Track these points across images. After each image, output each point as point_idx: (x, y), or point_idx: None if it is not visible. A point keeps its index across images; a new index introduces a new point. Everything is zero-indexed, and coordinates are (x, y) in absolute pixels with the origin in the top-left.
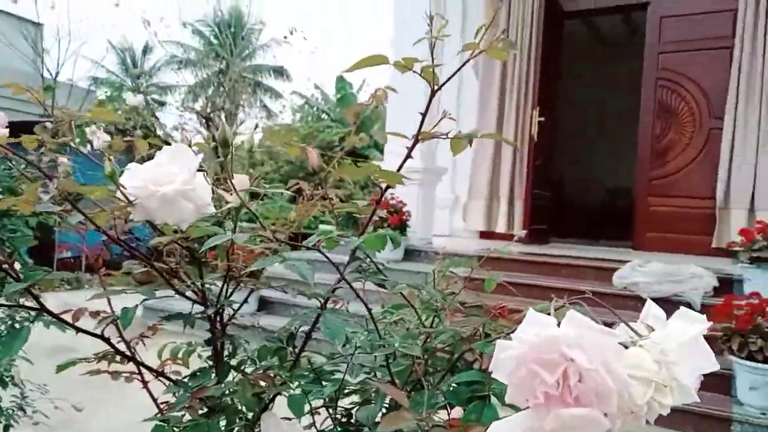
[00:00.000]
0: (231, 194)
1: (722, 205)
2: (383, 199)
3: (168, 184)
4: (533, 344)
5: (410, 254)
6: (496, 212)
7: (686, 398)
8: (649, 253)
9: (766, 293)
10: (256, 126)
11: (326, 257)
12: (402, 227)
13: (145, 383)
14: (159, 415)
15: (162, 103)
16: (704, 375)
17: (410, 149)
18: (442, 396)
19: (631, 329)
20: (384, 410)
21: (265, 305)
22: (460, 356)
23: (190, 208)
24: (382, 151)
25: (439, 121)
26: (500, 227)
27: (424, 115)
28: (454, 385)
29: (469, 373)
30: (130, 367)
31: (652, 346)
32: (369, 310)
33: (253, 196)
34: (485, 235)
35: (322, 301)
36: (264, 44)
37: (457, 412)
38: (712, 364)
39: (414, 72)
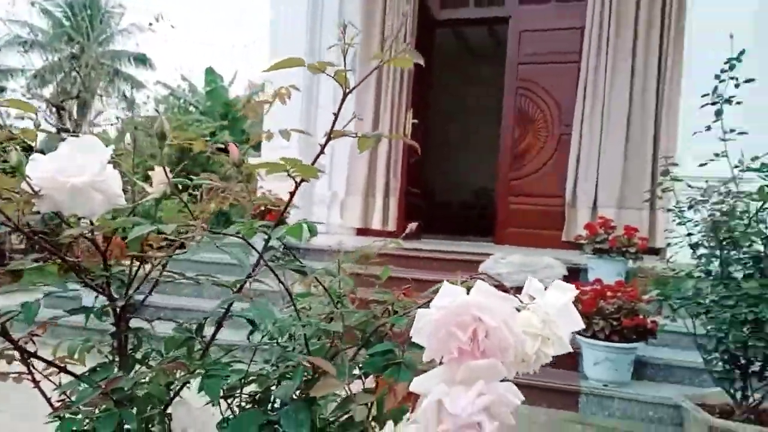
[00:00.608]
0: (151, 185)
1: (570, 203)
2: (261, 195)
3: (78, 175)
4: (450, 309)
5: (290, 251)
6: (372, 208)
7: (563, 349)
8: (509, 247)
9: (607, 280)
10: (117, 118)
11: (248, 243)
12: (280, 224)
13: (36, 383)
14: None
15: (2, 89)
16: (556, 355)
17: (323, 147)
18: (357, 369)
19: (518, 299)
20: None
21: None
22: (374, 331)
23: (101, 199)
24: (255, 148)
25: (349, 121)
26: (376, 223)
27: (336, 115)
28: (368, 357)
29: (383, 344)
30: (17, 367)
31: (537, 309)
32: (289, 291)
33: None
34: (361, 231)
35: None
36: (124, 29)
37: (370, 382)
38: (579, 324)
39: (327, 74)
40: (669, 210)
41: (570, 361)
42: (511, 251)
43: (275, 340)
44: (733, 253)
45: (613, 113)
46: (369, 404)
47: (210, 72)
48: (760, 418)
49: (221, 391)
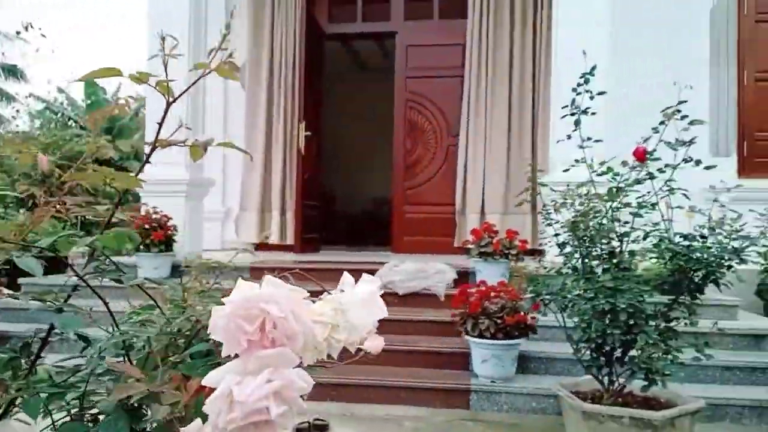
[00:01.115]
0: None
1: (460, 210)
2: (146, 213)
3: None
4: (237, 302)
5: (178, 270)
6: (268, 224)
7: (358, 334)
8: (406, 255)
9: (492, 281)
10: None
11: (64, 257)
12: (168, 242)
13: None
14: None
15: None
16: (449, 355)
17: (147, 156)
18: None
19: (328, 292)
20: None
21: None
22: (195, 334)
23: None
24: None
25: (175, 131)
26: (273, 238)
27: (160, 124)
28: (189, 358)
29: (200, 345)
30: None
31: (331, 300)
32: (106, 303)
33: None
34: (261, 247)
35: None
36: None
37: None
38: (383, 312)
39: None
40: (539, 213)
41: (462, 362)
42: (407, 259)
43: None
44: (592, 249)
45: (495, 124)
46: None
47: (90, 84)
48: (625, 400)
49: (44, 409)
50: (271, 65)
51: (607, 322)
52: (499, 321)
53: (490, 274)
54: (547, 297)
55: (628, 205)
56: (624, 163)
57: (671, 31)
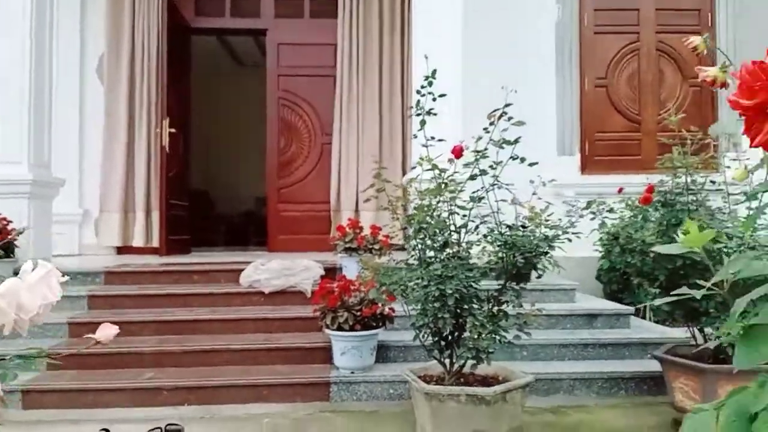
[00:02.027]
0: None
1: (335, 207)
2: None
3: None
4: None
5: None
6: (132, 225)
7: (27, 312)
8: (281, 253)
9: (355, 276)
10: None
11: None
12: (7, 247)
13: None
14: None
15: None
16: (312, 350)
17: None
18: None
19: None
20: None
21: None
22: None
23: None
24: None
25: None
26: (138, 241)
27: None
28: None
29: None
30: None
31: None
32: None
33: None
34: (124, 250)
35: None
36: None
37: None
38: (56, 294)
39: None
40: (386, 209)
41: (324, 356)
42: (277, 257)
43: None
44: (430, 241)
45: (368, 124)
46: None
47: None
48: (467, 379)
49: None
50: (132, 58)
51: (438, 306)
52: (357, 313)
53: (355, 269)
54: (392, 287)
55: (464, 199)
56: (451, 161)
57: (520, 43)
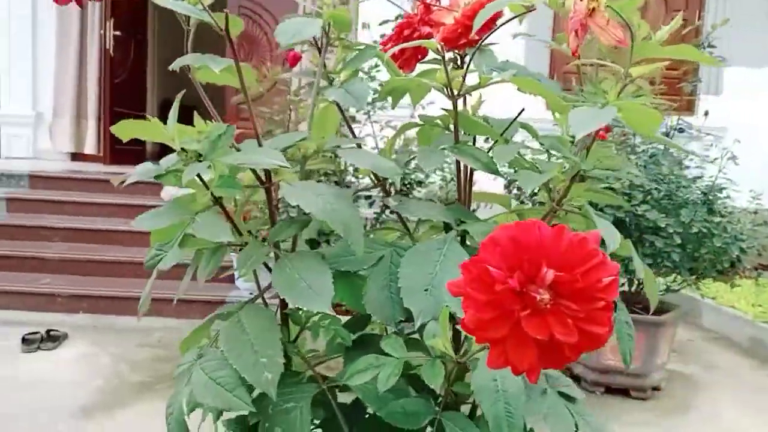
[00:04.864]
0: None
1: None
2: None
3: None
4: None
5: None
6: (84, 132)
7: None
8: None
9: None
10: None
11: None
12: None
13: None
14: None
15: None
16: (221, 270)
17: None
18: None
19: None
20: None
21: None
22: None
23: None
24: None
25: None
26: (90, 148)
27: None
28: None
29: None
30: None
31: None
32: None
33: None
34: (79, 156)
35: None
36: None
37: None
38: None
39: None
40: None
41: (229, 277)
42: None
43: None
44: None
45: None
46: None
47: None
48: None
49: None
50: None
51: None
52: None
53: None
54: None
55: None
56: None
57: None
